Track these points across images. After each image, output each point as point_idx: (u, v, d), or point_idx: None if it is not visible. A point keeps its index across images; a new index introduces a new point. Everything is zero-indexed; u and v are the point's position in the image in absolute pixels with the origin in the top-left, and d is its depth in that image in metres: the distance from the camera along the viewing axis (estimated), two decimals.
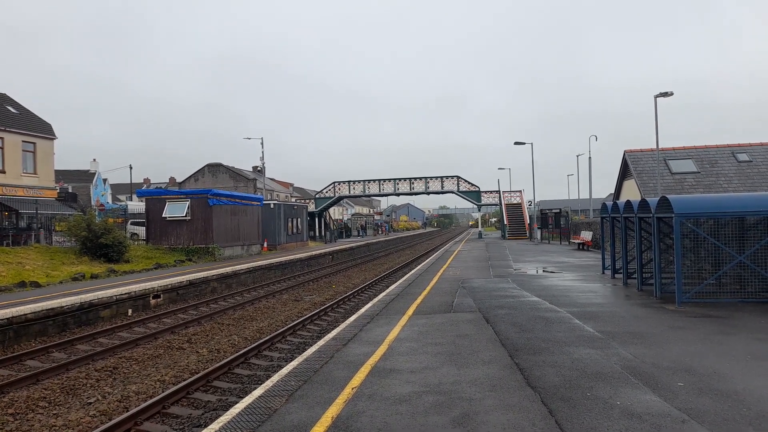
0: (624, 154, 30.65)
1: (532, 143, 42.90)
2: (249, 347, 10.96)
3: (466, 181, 54.02)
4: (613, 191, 35.04)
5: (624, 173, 31.81)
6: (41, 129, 34.91)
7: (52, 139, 35.70)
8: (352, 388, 5.96)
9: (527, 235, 48.48)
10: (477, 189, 54.08)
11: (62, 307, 13.27)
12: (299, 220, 40.89)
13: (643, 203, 12.89)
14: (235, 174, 62.82)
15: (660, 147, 25.55)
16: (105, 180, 60.54)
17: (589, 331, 8.53)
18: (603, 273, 17.18)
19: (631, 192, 28.73)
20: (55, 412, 7.90)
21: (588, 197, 40.89)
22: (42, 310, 12.70)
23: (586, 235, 30.72)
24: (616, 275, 15.86)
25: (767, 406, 5.09)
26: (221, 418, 5.32)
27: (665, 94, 23.95)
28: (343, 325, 9.84)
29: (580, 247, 30.74)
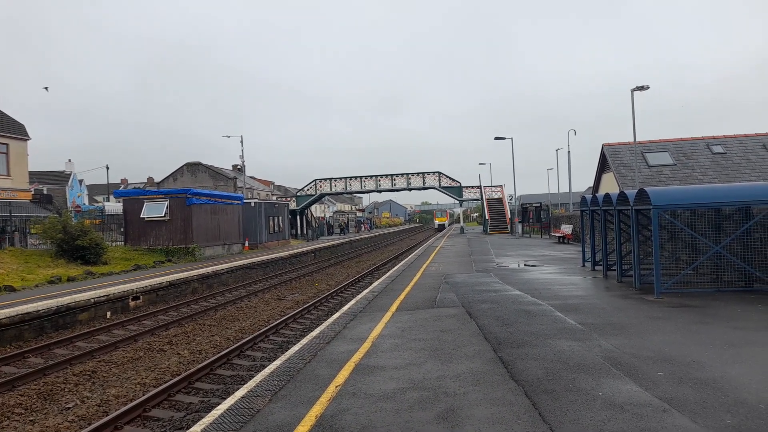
0: (602, 148, 31.00)
1: (512, 138, 43.22)
2: (231, 347, 10.84)
3: (447, 176, 54.17)
4: (592, 184, 35.44)
5: (602, 166, 32.19)
6: (14, 130, 34.13)
7: (26, 139, 34.94)
8: (336, 386, 5.92)
9: (508, 229, 48.84)
10: (458, 184, 54.27)
11: (38, 311, 12.99)
12: (280, 218, 40.63)
13: (622, 196, 13.05)
14: (214, 173, 62.14)
15: (637, 140, 25.90)
16: (81, 181, 59.46)
17: (571, 324, 8.60)
18: (583, 265, 17.38)
19: (610, 185, 29.09)
20: (31, 418, 7.72)
21: (568, 191, 41.31)
22: (17, 315, 12.41)
23: (567, 229, 31.05)
24: (596, 267, 16.05)
25: (744, 393, 5.18)
26: (203, 420, 5.24)
27: (641, 88, 24.26)
28: (326, 323, 9.79)
29: (561, 240, 31.06)
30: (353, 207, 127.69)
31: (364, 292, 13.86)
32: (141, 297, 16.80)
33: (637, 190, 12.01)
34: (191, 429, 5.03)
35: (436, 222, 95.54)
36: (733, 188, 12.07)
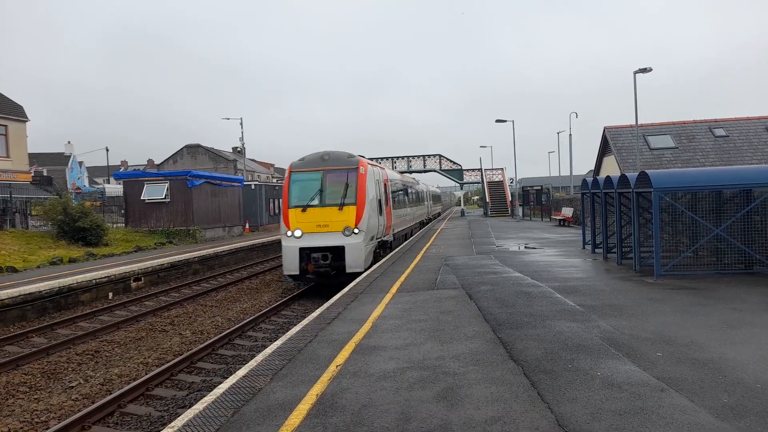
0: (604, 131, 30.85)
1: (513, 121, 42.96)
2: (233, 328, 10.93)
3: (448, 159, 53.98)
4: (593, 167, 35.35)
5: (604, 150, 32.07)
6: (12, 111, 33.95)
7: (25, 121, 34.78)
8: (337, 366, 5.97)
9: (509, 212, 48.83)
10: (459, 167, 54.12)
11: (40, 291, 13.06)
12: (281, 200, 40.60)
13: (623, 179, 13.02)
14: (214, 155, 61.99)
15: (639, 123, 25.76)
16: (81, 163, 59.32)
17: (570, 305, 8.64)
18: (583, 248, 17.41)
19: (611, 168, 29.01)
20: (36, 396, 7.81)
21: (569, 174, 41.22)
22: (20, 295, 12.48)
23: (567, 212, 31.03)
24: (596, 250, 16.08)
25: (742, 373, 5.22)
26: (205, 398, 5.30)
27: (644, 70, 24.06)
28: (327, 304, 9.84)
29: (561, 223, 31.06)
30: None
31: (364, 274, 13.90)
32: (142, 278, 16.87)
33: (638, 173, 11.98)
34: (194, 407, 5.08)
35: (287, 234, 14.47)
36: (735, 171, 12.03)
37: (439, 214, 54.73)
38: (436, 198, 52.14)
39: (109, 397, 7.20)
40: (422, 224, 34.18)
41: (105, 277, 15.27)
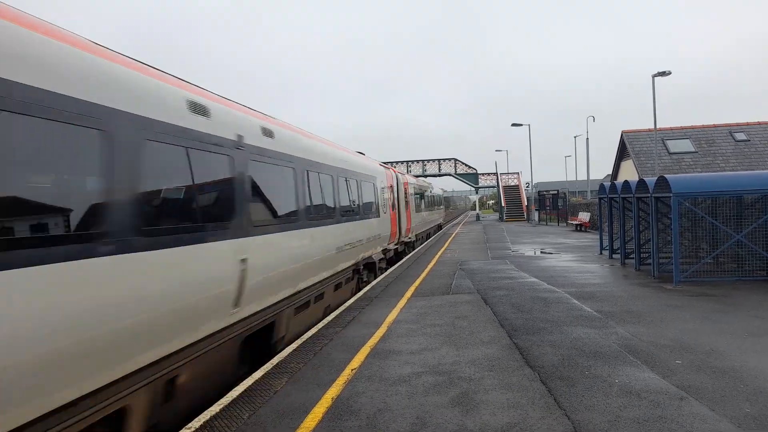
0: (622, 135, 30.55)
1: (529, 124, 42.74)
2: None
3: (463, 163, 53.87)
4: (610, 172, 35.00)
5: (622, 154, 31.75)
6: None
7: None
8: (352, 370, 5.98)
9: (525, 216, 48.51)
10: (474, 171, 53.97)
11: None
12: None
13: (641, 183, 12.88)
14: None
15: (657, 127, 25.47)
16: None
17: (587, 311, 8.56)
18: (600, 254, 17.23)
19: (629, 172, 28.71)
20: None
21: (586, 178, 40.85)
22: None
23: (584, 216, 30.75)
24: (614, 256, 15.90)
25: (764, 382, 5.12)
26: (221, 400, 5.33)
27: (663, 74, 23.79)
28: (341, 308, 9.86)
29: (578, 228, 30.78)
30: None
31: (379, 278, 13.91)
32: None
33: (657, 178, 11.84)
34: (210, 409, 5.12)
35: None
36: (756, 176, 11.81)
37: (440, 227, 37.96)
38: (432, 202, 31.51)
39: None
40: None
41: None
